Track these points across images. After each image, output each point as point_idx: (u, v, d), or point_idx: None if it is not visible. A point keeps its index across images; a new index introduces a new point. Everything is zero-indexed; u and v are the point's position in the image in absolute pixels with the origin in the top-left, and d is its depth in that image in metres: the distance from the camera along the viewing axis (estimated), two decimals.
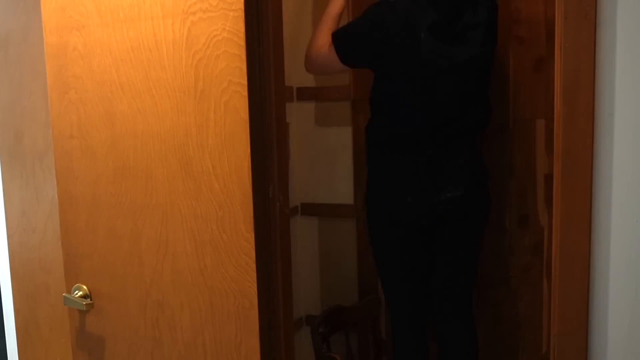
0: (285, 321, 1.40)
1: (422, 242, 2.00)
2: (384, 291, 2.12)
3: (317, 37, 1.97)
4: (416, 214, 1.93)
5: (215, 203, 1.31)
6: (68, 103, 1.45)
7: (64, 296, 1.51)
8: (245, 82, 1.24)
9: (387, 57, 1.86)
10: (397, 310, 2.08)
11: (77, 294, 1.51)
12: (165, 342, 1.43)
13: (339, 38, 1.92)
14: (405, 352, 2.09)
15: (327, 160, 2.40)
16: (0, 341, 2.02)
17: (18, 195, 1.89)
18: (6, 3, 1.83)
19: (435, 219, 1.95)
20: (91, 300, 1.50)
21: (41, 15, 1.45)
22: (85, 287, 1.51)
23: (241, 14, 1.22)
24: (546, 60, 2.09)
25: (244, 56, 1.23)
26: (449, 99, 1.87)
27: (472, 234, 2.02)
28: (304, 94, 2.39)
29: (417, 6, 1.82)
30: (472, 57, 1.85)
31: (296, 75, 2.33)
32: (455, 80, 1.85)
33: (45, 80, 1.49)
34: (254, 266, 1.29)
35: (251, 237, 1.28)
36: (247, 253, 1.29)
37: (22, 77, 1.83)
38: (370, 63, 1.93)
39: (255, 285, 1.29)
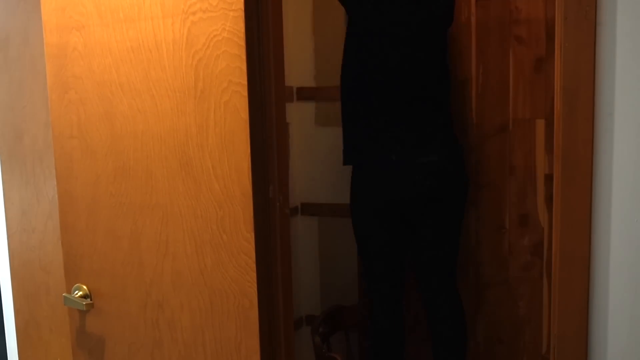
0: (285, 321, 1.40)
1: (401, 216, 2.04)
2: (362, 269, 2.19)
3: None
4: (400, 176, 1.95)
5: (215, 203, 1.31)
6: (68, 103, 1.45)
7: (64, 296, 1.51)
8: (245, 82, 1.24)
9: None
10: (373, 285, 2.15)
11: (77, 294, 1.51)
12: (165, 342, 1.43)
13: None
14: (380, 328, 2.15)
15: (327, 160, 2.40)
16: (0, 341, 2.02)
17: (18, 195, 1.89)
18: (6, 3, 1.83)
19: (415, 190, 1.97)
20: (91, 300, 1.50)
21: (41, 15, 1.45)
22: (85, 287, 1.51)
23: (241, 14, 1.22)
24: (546, 60, 2.09)
25: (244, 56, 1.23)
26: (394, 64, 1.92)
27: (453, 207, 2.04)
28: (304, 94, 2.39)
29: None
30: (407, 23, 1.90)
31: (296, 75, 2.33)
32: (397, 45, 1.91)
33: (45, 80, 1.49)
34: (254, 266, 1.29)
35: (251, 237, 1.28)
36: (247, 253, 1.29)
37: (22, 77, 1.83)
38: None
39: (255, 285, 1.29)
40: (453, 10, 2.01)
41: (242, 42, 1.23)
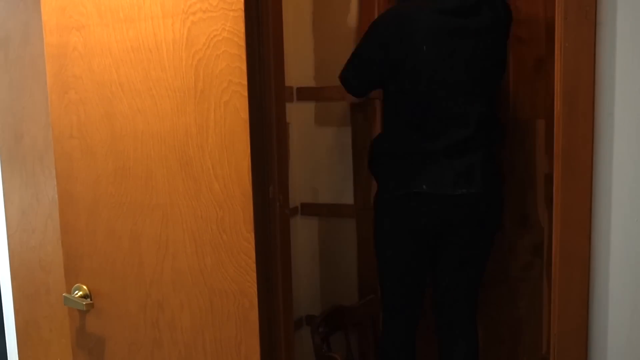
0: (285, 321, 1.40)
1: (428, 244, 1.97)
2: (380, 289, 2.12)
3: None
4: (431, 208, 1.88)
5: (215, 203, 1.31)
6: (68, 103, 1.45)
7: (64, 296, 1.51)
8: (245, 82, 1.24)
9: (391, 74, 1.88)
10: (391, 309, 2.09)
11: (77, 294, 1.51)
12: (165, 342, 1.43)
13: (342, 78, 1.98)
14: (393, 352, 2.10)
15: (327, 160, 2.40)
16: (0, 341, 2.02)
17: (18, 195, 1.89)
18: (6, 3, 1.83)
19: (448, 220, 1.91)
20: (91, 300, 1.50)
21: (41, 15, 1.45)
22: (85, 287, 1.51)
23: (241, 14, 1.22)
24: (546, 60, 2.09)
25: (244, 56, 1.23)
26: (450, 92, 1.86)
27: (484, 241, 1.99)
28: (304, 94, 2.39)
29: (410, 13, 1.85)
30: (472, 51, 1.84)
31: (296, 75, 2.33)
32: (457, 73, 1.85)
33: (45, 80, 1.49)
34: (254, 266, 1.29)
35: (251, 237, 1.28)
36: (247, 253, 1.29)
37: (22, 77, 1.83)
38: (379, 85, 1.97)
39: (255, 285, 1.29)
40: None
41: (242, 42, 1.23)
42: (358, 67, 1.95)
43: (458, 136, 1.84)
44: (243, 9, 1.22)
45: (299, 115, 2.41)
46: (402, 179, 1.89)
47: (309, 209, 2.47)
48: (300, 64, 2.33)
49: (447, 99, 1.85)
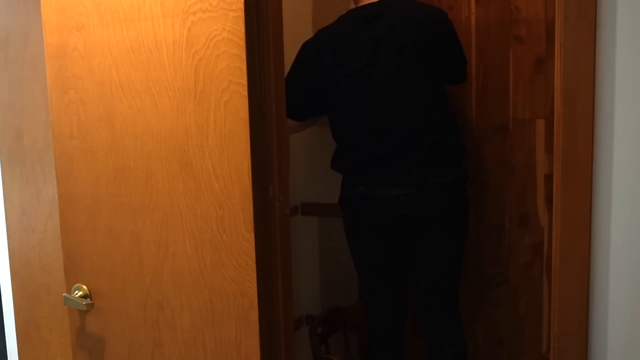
0: (285, 321, 1.40)
1: (384, 245, 2.02)
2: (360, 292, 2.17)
3: None
4: (371, 208, 1.95)
5: (215, 203, 1.31)
6: (68, 103, 1.45)
7: (64, 296, 1.51)
8: (245, 82, 1.24)
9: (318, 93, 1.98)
10: (372, 311, 2.11)
11: (77, 294, 1.51)
12: (165, 342, 1.43)
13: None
14: (380, 353, 2.11)
15: (327, 160, 2.40)
16: (0, 341, 2.02)
17: (18, 195, 1.89)
18: (6, 3, 1.83)
19: (393, 220, 1.96)
20: (91, 300, 1.50)
21: (41, 15, 1.45)
22: (85, 287, 1.51)
23: (241, 14, 1.22)
24: (546, 60, 2.09)
25: (244, 56, 1.23)
26: (381, 114, 1.92)
27: (445, 239, 1.98)
28: None
29: (332, 33, 1.94)
30: (390, 75, 1.90)
31: None
32: (379, 97, 1.91)
33: (45, 80, 1.49)
34: (254, 266, 1.29)
35: (251, 237, 1.28)
36: (247, 253, 1.29)
37: (22, 77, 1.83)
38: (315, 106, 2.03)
39: (255, 285, 1.29)
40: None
41: (242, 42, 1.23)
42: (288, 88, 1.96)
43: (391, 141, 1.91)
44: (243, 9, 1.21)
45: None
46: (348, 184, 2.04)
47: (309, 209, 2.47)
48: None
49: (375, 107, 1.92)
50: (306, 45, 2.00)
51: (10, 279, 1.95)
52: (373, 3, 1.93)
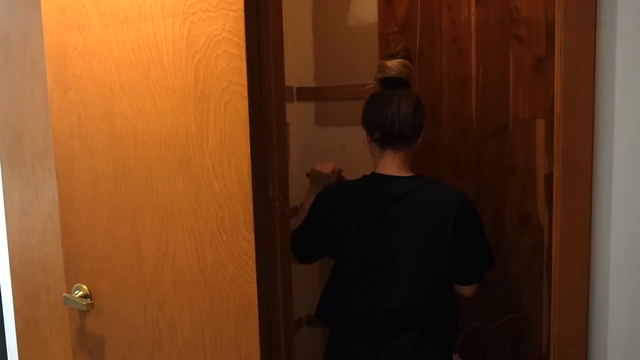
0: (285, 321, 1.40)
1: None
2: None
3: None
4: None
5: (215, 203, 1.31)
6: (68, 103, 1.45)
7: (64, 296, 1.51)
8: (245, 82, 1.24)
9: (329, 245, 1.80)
10: None
11: (77, 294, 1.51)
12: (165, 342, 1.43)
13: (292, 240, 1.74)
14: None
15: (327, 160, 2.40)
16: (0, 341, 2.02)
17: (18, 195, 1.89)
18: (6, 3, 1.83)
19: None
20: (91, 300, 1.50)
21: (41, 15, 1.45)
22: (85, 287, 1.51)
23: (241, 14, 1.22)
24: (546, 60, 2.09)
25: (244, 56, 1.23)
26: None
27: None
28: (304, 94, 2.39)
29: (349, 195, 1.77)
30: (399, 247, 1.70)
31: (296, 75, 2.33)
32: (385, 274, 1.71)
33: (45, 80, 1.49)
34: (254, 266, 1.29)
35: (251, 237, 1.28)
36: (247, 253, 1.29)
37: (22, 77, 1.83)
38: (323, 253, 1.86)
39: (255, 285, 1.29)
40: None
41: (242, 42, 1.23)
42: (304, 232, 1.84)
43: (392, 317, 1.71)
44: (243, 9, 1.22)
45: (299, 115, 2.41)
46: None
47: None
48: (300, 64, 2.33)
49: (377, 276, 1.73)
50: (323, 197, 1.85)
51: (10, 279, 1.95)
52: (402, 178, 1.75)
